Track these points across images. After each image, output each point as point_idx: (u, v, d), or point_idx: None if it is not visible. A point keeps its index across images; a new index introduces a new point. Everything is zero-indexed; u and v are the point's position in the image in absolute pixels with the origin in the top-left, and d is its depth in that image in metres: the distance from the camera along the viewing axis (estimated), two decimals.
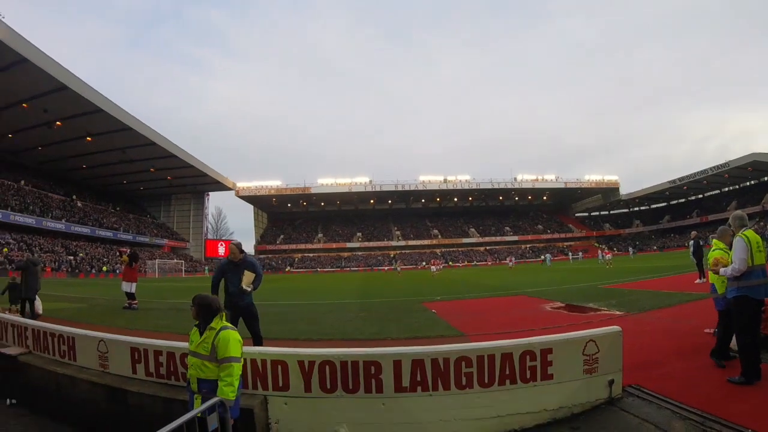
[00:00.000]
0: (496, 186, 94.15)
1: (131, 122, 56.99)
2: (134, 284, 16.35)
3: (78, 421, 5.95)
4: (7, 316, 8.74)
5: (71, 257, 58.14)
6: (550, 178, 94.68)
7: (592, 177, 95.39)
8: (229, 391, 3.86)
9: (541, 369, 4.59)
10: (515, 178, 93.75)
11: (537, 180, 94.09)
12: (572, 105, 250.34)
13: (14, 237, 53.52)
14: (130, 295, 16.09)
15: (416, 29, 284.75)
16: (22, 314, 11.42)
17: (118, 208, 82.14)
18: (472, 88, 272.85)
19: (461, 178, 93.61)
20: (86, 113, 51.67)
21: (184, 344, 4.68)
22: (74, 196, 71.79)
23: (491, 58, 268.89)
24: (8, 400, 6.83)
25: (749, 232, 5.36)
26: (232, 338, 4.02)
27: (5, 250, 48.62)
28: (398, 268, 61.93)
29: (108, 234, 70.89)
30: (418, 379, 4.46)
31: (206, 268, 78.14)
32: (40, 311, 12.22)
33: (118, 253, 48.36)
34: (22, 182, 62.16)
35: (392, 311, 14.08)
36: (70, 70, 46.00)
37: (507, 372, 4.52)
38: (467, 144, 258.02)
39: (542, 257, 66.55)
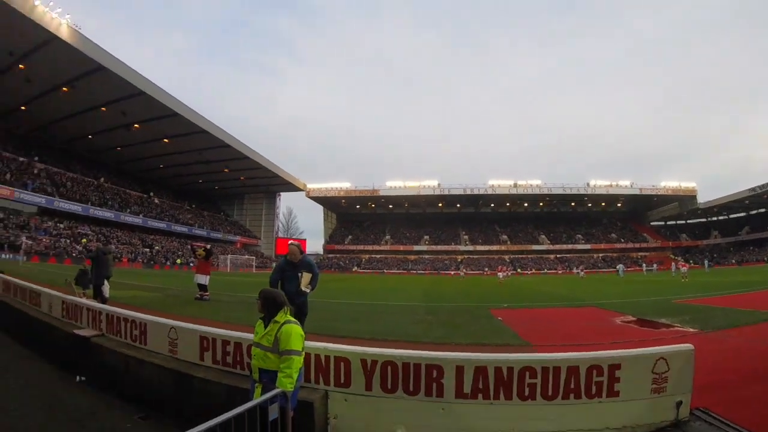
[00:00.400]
0: (568, 191, 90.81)
1: (206, 125, 59.53)
2: (207, 277, 17.04)
3: (143, 401, 6.21)
4: (83, 300, 9.19)
5: (147, 249, 61.61)
6: (624, 183, 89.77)
7: (669, 183, 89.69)
8: (287, 382, 3.95)
9: (607, 385, 4.38)
10: (588, 184, 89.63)
11: (611, 186, 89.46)
12: (645, 106, 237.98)
13: (93, 229, 57.83)
14: (203, 287, 16.73)
15: (480, 30, 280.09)
16: (94, 298, 11.99)
17: (193, 206, 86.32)
18: (540, 89, 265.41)
19: (532, 182, 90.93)
20: (163, 117, 54.67)
21: (251, 335, 4.75)
22: (151, 193, 76.35)
23: (559, 58, 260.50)
24: (78, 377, 7.28)
25: None
26: (294, 332, 4.14)
27: (84, 240, 51.83)
28: (462, 273, 60.74)
29: (183, 229, 74.88)
30: (480, 386, 4.37)
31: (274, 264, 79.06)
32: (107, 295, 12.78)
33: (190, 248, 51.42)
34: (102, 179, 66.98)
35: (458, 316, 13.94)
36: (148, 76, 48.76)
37: (572, 386, 4.35)
38: (537, 147, 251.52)
39: (617, 268, 63.94)
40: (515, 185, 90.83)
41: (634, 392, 4.44)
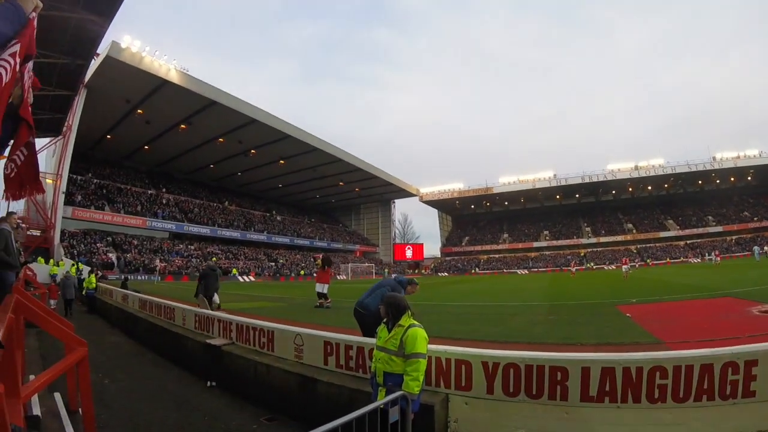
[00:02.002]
0: (693, 168, 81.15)
1: (317, 143, 62.03)
2: (326, 285, 17.65)
3: (269, 404, 6.66)
4: (216, 312, 9.84)
5: (272, 263, 66.03)
6: (752, 153, 78.38)
7: None
8: (414, 385, 4.03)
9: (743, 384, 3.91)
10: (713, 158, 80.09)
11: (738, 158, 78.71)
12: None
13: (221, 248, 63.49)
14: (322, 296, 17.41)
15: (579, 6, 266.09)
16: (209, 307, 13.81)
17: (313, 219, 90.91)
18: (654, 59, 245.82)
19: (653, 162, 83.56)
20: (276, 140, 57.93)
21: (372, 340, 4.88)
22: (273, 211, 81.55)
23: (673, 20, 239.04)
24: (209, 383, 7.93)
25: None
26: (419, 335, 4.19)
27: (214, 259, 55.92)
28: (573, 269, 57.48)
29: (305, 242, 79.47)
30: (607, 388, 4.15)
31: (385, 270, 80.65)
32: (218, 302, 15.22)
33: (312, 259, 54.18)
34: (226, 203, 72.78)
35: (583, 314, 13.41)
36: (258, 104, 52.22)
37: (705, 386, 3.95)
38: (657, 124, 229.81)
39: (752, 250, 57.59)
40: (636, 168, 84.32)
41: None
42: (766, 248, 61.29)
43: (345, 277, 67.64)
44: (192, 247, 59.66)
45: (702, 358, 4.02)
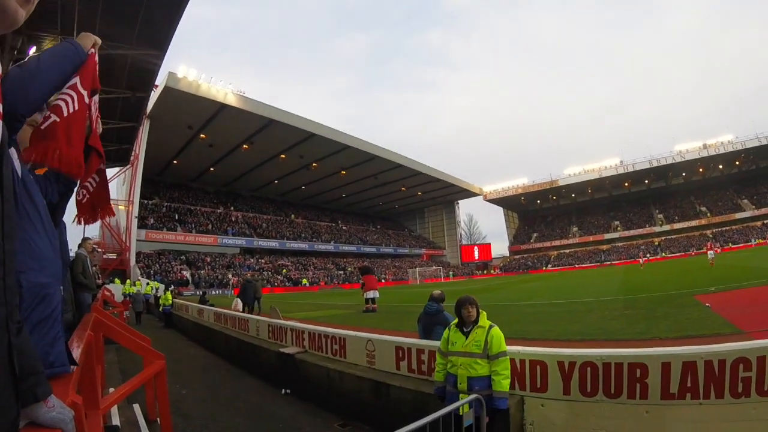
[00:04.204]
0: (763, 141, 73.89)
1: (376, 151, 62.96)
2: (371, 291, 18.84)
3: (342, 410, 6.79)
4: (290, 322, 10.01)
5: (341, 272, 66.97)
6: None
7: None
8: (506, 383, 4.14)
9: None
10: None
11: None
12: None
13: (291, 260, 65.43)
14: (367, 300, 18.62)
15: None
16: (251, 312, 17.06)
17: (378, 227, 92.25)
18: (711, 32, 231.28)
19: (722, 139, 77.96)
20: (335, 152, 59.20)
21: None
22: (339, 221, 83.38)
23: None
24: (283, 390, 8.19)
25: None
26: (501, 334, 4.29)
27: (284, 271, 57.78)
28: (642, 260, 54.73)
29: (372, 249, 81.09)
30: (689, 384, 3.98)
31: (450, 273, 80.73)
32: (257, 309, 18.75)
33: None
34: (292, 216, 75.10)
35: (660, 307, 12.96)
36: (315, 118, 53.98)
37: None
38: (722, 99, 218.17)
39: None
40: (705, 146, 79.21)
41: None
42: None
43: (413, 282, 68.00)
44: (263, 261, 61.61)
45: None
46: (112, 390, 5.50)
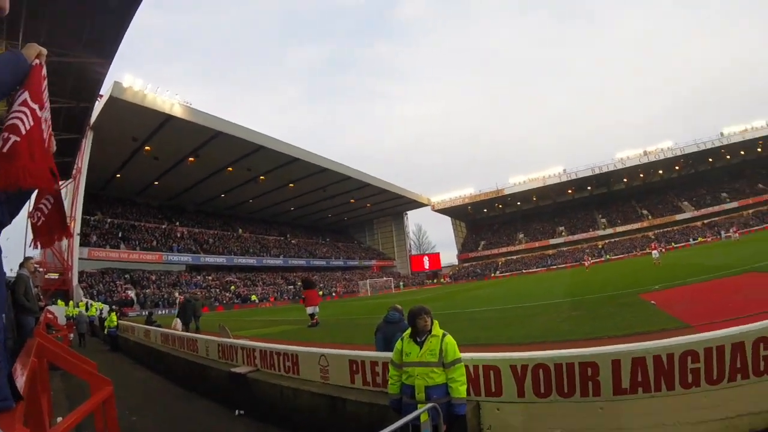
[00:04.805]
0: (701, 147, 79.73)
1: (325, 163, 63.00)
2: (311, 307, 18.79)
3: (299, 428, 6.64)
4: (240, 341, 9.80)
5: (290, 286, 65.98)
6: (759, 124, 77.38)
7: None
8: (464, 389, 4.17)
9: None
10: (721, 133, 79.25)
11: (746, 131, 77.74)
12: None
13: (239, 276, 64.26)
14: (311, 315, 18.52)
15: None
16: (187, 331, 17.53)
17: (327, 239, 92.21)
18: (653, 45, 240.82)
19: (662, 146, 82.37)
20: (284, 164, 58.80)
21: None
22: (288, 235, 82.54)
23: (671, 5, 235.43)
24: (237, 411, 7.91)
25: None
26: (454, 342, 4.30)
27: (232, 287, 56.74)
28: (586, 263, 56.40)
29: (321, 263, 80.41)
30: (640, 379, 4.11)
31: (401, 283, 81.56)
32: (194, 327, 19.52)
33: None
34: (240, 230, 73.95)
35: (606, 307, 13.35)
36: (264, 130, 53.59)
37: (738, 365, 3.92)
38: (666, 107, 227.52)
39: None
40: (645, 153, 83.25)
41: None
42: None
43: (364, 294, 67.95)
44: (210, 278, 60.16)
45: (732, 337, 3.99)
46: (60, 420, 5.28)
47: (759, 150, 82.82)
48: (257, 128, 52.38)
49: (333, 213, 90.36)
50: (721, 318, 8.09)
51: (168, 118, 42.75)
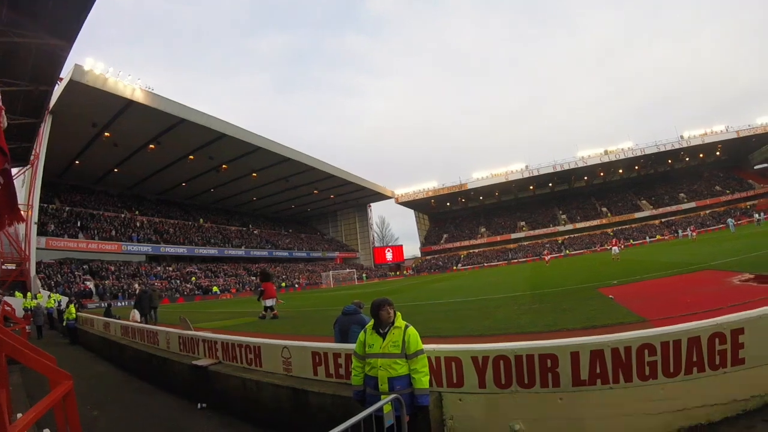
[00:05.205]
0: (661, 149, 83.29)
1: (288, 153, 62.31)
2: (270, 299, 18.49)
3: (262, 420, 6.60)
4: (201, 333, 9.65)
5: (253, 278, 64.85)
6: (719, 129, 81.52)
7: (766, 120, 79.31)
8: (426, 380, 4.23)
9: (731, 353, 4.07)
10: (681, 136, 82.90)
11: (705, 134, 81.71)
12: (734, 37, 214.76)
13: (200, 267, 63.02)
14: (267, 308, 18.31)
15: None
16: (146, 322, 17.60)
17: (290, 230, 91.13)
18: (618, 47, 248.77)
19: (623, 146, 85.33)
20: (247, 153, 58.13)
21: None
22: (250, 225, 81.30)
23: (637, 6, 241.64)
24: (199, 405, 7.81)
25: None
26: (417, 333, 4.34)
27: (193, 278, 55.66)
28: (546, 258, 57.52)
29: (284, 254, 79.31)
30: (598, 371, 4.21)
31: (364, 275, 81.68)
32: (155, 320, 19.43)
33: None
34: (201, 221, 72.44)
35: (566, 300, 13.58)
36: (229, 119, 52.48)
37: (694, 358, 4.08)
38: (625, 108, 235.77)
39: (727, 222, 58.70)
40: (606, 152, 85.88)
41: (761, 357, 4.09)
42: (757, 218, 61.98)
43: (327, 285, 67.76)
44: (170, 269, 58.92)
45: (688, 332, 4.12)
46: (20, 416, 5.16)
47: (717, 153, 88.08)
48: (221, 116, 51.68)
49: (296, 204, 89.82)
50: (677, 313, 8.30)
51: (129, 104, 41.65)
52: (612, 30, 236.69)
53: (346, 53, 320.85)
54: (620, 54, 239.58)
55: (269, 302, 18.31)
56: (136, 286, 48.01)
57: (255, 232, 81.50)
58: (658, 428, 4.11)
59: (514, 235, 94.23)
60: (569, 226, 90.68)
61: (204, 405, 7.80)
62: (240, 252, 71.49)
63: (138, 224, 60.09)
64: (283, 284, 65.10)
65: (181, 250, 61.53)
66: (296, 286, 67.26)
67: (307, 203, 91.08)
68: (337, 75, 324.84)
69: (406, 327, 4.32)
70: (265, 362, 7.10)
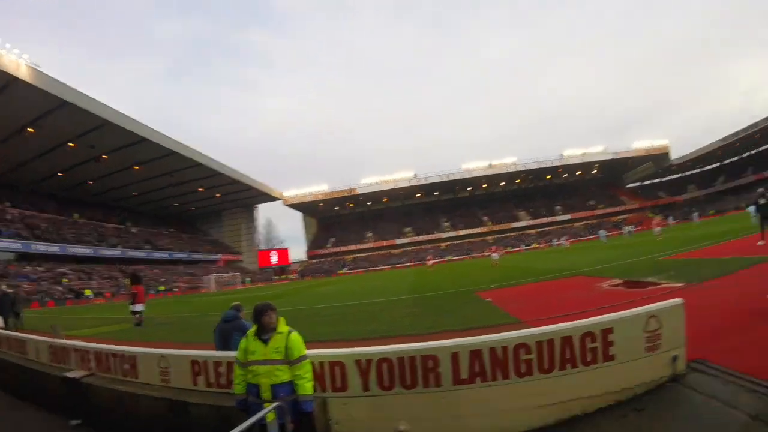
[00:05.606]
0: (542, 165, 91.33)
1: (175, 147, 59.49)
2: (139, 305, 17.47)
3: None
4: (73, 342, 9.03)
5: (128, 281, 60.25)
6: (597, 150, 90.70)
7: (641, 144, 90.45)
8: (310, 386, 4.19)
9: (602, 350, 4.46)
10: (561, 155, 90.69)
11: (584, 154, 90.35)
12: (615, 69, 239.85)
13: (73, 268, 57.12)
14: (135, 313, 17.33)
15: (455, 16, 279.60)
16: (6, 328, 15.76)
17: (171, 230, 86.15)
18: (513, 68, 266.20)
19: (506, 161, 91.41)
20: (131, 144, 54.67)
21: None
22: (128, 223, 75.80)
23: (531, 35, 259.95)
24: (72, 421, 7.16)
25: None
26: (300, 338, 4.27)
27: (64, 280, 51.34)
28: (429, 263, 59.28)
29: (164, 255, 74.28)
30: (477, 370, 4.39)
31: (248, 279, 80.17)
32: (13, 326, 16.96)
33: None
34: (76, 215, 66.65)
35: (446, 304, 14.06)
36: (117, 105, 49.00)
37: (567, 356, 4.41)
38: (512, 126, 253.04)
39: (598, 233, 63.61)
40: (490, 166, 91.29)
41: (629, 353, 4.52)
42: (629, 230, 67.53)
43: (209, 289, 65.46)
44: (41, 269, 53.36)
45: (561, 332, 4.44)
46: None
47: (594, 171, 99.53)
48: (109, 101, 48.23)
49: (180, 201, 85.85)
50: (550, 315, 8.76)
51: (12, 80, 38.04)
52: (507, 53, 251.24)
53: (248, 47, 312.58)
54: (512, 75, 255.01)
55: (138, 307, 17.34)
56: (4, 287, 43.92)
57: (133, 230, 75.84)
58: (536, 421, 4.37)
59: (399, 241, 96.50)
60: (452, 233, 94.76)
61: (78, 421, 7.18)
62: (116, 252, 65.97)
63: (8, 217, 54.20)
64: (162, 288, 62.08)
65: (53, 248, 55.81)
66: (176, 290, 64.09)
67: (191, 201, 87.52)
68: (236, 69, 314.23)
69: (290, 332, 4.23)
70: (141, 373, 6.68)
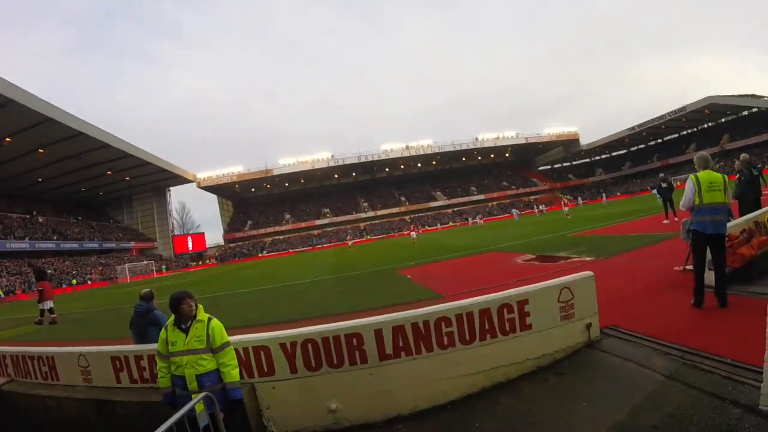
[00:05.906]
0: (458, 148, 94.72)
1: (81, 127, 55.14)
2: (49, 301, 16.74)
3: None
4: None
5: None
6: (510, 135, 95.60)
7: (552, 130, 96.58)
8: (236, 373, 4.09)
9: (519, 320, 4.74)
10: (476, 138, 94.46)
11: (498, 138, 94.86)
12: (531, 58, 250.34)
13: None
14: (43, 312, 16.63)
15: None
16: None
17: (80, 218, 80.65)
18: (431, 51, 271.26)
19: (423, 143, 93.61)
20: (35, 125, 49.96)
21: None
22: (34, 212, 70.23)
23: (449, 19, 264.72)
24: None
25: (703, 173, 5.75)
26: (221, 325, 4.16)
27: None
28: (349, 242, 60.02)
29: (74, 246, 69.83)
30: (401, 344, 4.54)
31: (163, 266, 77.92)
32: None
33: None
34: None
35: (367, 282, 14.30)
36: (16, 81, 44.17)
37: (487, 327, 4.65)
38: (429, 108, 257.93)
39: (512, 212, 66.23)
40: (407, 147, 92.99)
41: (545, 322, 4.86)
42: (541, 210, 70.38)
43: (124, 280, 63.12)
44: None
45: (479, 304, 4.68)
46: None
47: (507, 155, 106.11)
48: (6, 76, 43.60)
49: (87, 186, 79.58)
50: (469, 289, 9.07)
51: None
52: (425, 35, 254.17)
53: (155, 17, 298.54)
54: (430, 58, 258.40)
55: (48, 304, 16.55)
56: None
57: (40, 219, 70.87)
58: (462, 390, 4.59)
59: (318, 222, 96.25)
60: (371, 213, 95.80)
61: None
62: (24, 245, 61.35)
63: None
64: (74, 281, 59.17)
65: None
66: (89, 282, 61.45)
67: (100, 185, 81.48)
68: (143, 41, 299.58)
69: (210, 320, 4.14)
70: (62, 374, 6.38)
